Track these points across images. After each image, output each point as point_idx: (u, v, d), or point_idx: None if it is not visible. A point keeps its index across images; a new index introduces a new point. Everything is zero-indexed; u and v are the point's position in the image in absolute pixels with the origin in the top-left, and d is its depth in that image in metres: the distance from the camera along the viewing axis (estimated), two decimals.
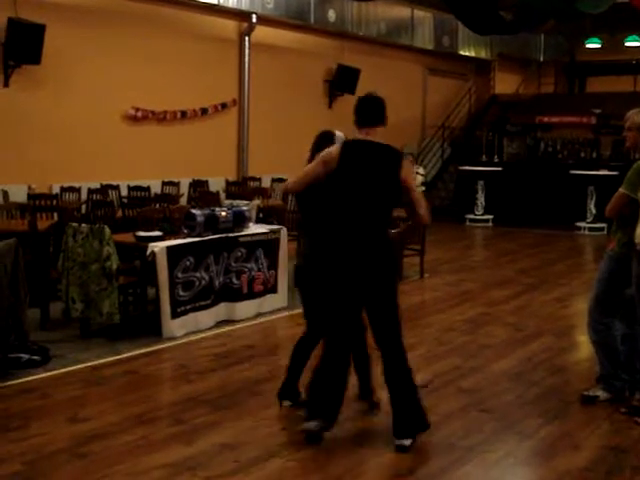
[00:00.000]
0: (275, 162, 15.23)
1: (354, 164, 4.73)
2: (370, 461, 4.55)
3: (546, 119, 19.72)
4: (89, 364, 6.31)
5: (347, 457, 4.59)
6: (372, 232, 4.73)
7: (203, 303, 7.41)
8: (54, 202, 10.22)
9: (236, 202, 9.32)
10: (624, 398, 5.44)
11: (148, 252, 6.99)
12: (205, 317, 7.46)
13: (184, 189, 13.13)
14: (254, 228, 8.24)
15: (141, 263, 7.36)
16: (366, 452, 4.68)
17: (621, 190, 5.31)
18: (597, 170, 15.75)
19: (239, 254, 7.77)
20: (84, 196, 11.54)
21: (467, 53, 20.73)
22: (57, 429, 4.94)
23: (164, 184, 12.95)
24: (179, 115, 13.89)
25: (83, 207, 11.06)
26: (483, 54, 21.35)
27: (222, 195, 12.48)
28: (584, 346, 6.80)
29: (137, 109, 13.17)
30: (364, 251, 4.72)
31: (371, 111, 4.90)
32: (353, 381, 5.57)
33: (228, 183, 13.96)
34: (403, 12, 18.25)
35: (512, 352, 6.90)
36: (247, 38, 14.98)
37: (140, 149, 13.24)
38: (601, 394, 5.54)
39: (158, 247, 7.00)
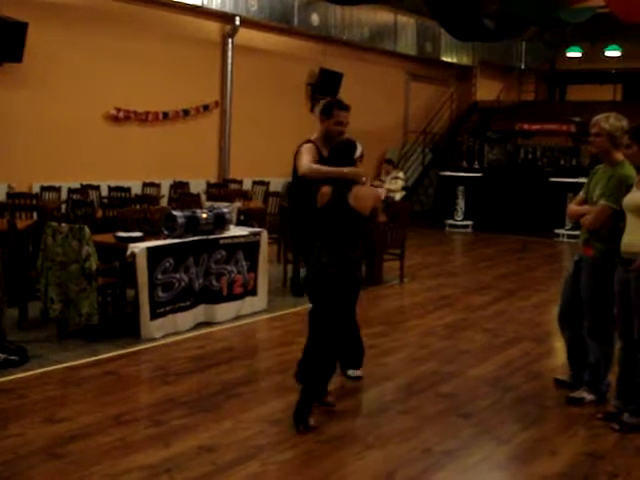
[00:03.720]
0: (256, 165, 15.25)
1: None
2: (349, 465, 4.56)
3: (526, 126, 19.84)
4: (67, 364, 6.28)
5: (326, 460, 4.60)
6: None
7: (182, 305, 7.39)
8: (34, 201, 10.18)
9: (217, 204, 9.32)
10: (606, 400, 5.55)
11: (128, 253, 6.96)
12: (184, 319, 7.44)
13: (165, 190, 13.12)
14: (235, 230, 8.24)
15: (121, 264, 7.34)
16: (345, 455, 4.69)
17: (605, 203, 5.35)
18: (576, 178, 15.80)
19: (219, 256, 7.76)
20: (64, 196, 11.51)
21: (449, 59, 20.85)
22: (34, 430, 4.91)
23: (145, 185, 12.93)
24: (161, 116, 13.88)
25: (63, 207, 11.02)
26: (465, 61, 21.48)
27: (203, 197, 12.47)
28: (562, 352, 6.84)
29: (119, 109, 13.13)
30: None
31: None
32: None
33: (209, 185, 13.97)
34: (386, 17, 18.32)
35: (490, 357, 6.93)
36: (230, 40, 14.99)
37: (121, 150, 13.20)
38: (586, 396, 5.63)
39: (138, 248, 6.97)
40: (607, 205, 5.34)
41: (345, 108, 5.86)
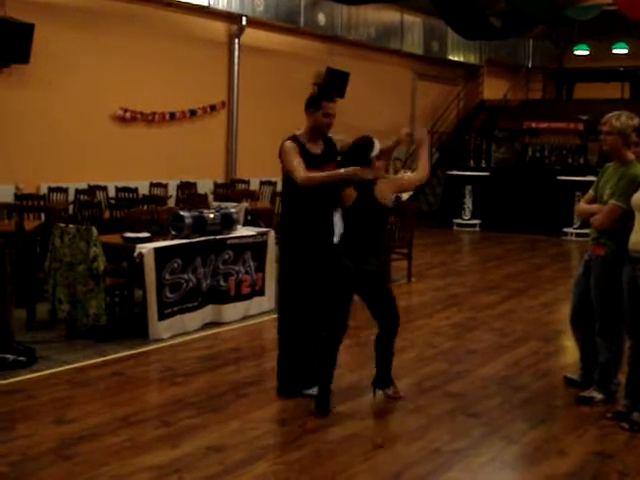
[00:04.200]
0: (263, 165, 15.16)
1: None
2: (357, 464, 4.54)
3: (534, 125, 19.78)
4: (75, 365, 6.29)
5: (334, 460, 4.59)
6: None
7: (190, 305, 7.39)
8: (41, 202, 10.20)
9: (224, 204, 9.33)
10: (616, 399, 5.55)
11: (136, 253, 6.97)
12: (192, 319, 7.44)
13: (172, 191, 13.12)
14: (242, 230, 8.24)
15: (128, 264, 7.34)
16: (353, 455, 4.67)
17: (616, 203, 5.33)
18: (584, 176, 15.78)
19: (227, 256, 7.76)
20: (72, 197, 11.53)
21: (456, 58, 20.80)
22: (43, 430, 4.92)
23: (152, 185, 12.94)
24: (168, 117, 13.88)
25: (70, 208, 11.03)
26: (472, 59, 21.43)
27: (210, 197, 12.47)
28: (570, 351, 6.83)
29: (125, 110, 13.14)
30: None
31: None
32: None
33: (216, 185, 13.96)
34: (393, 17, 18.29)
35: (499, 357, 6.91)
36: (237, 40, 14.99)
37: (128, 150, 13.21)
38: (596, 395, 5.63)
39: (146, 248, 6.98)
40: (617, 205, 5.32)
41: (333, 99, 5.78)
